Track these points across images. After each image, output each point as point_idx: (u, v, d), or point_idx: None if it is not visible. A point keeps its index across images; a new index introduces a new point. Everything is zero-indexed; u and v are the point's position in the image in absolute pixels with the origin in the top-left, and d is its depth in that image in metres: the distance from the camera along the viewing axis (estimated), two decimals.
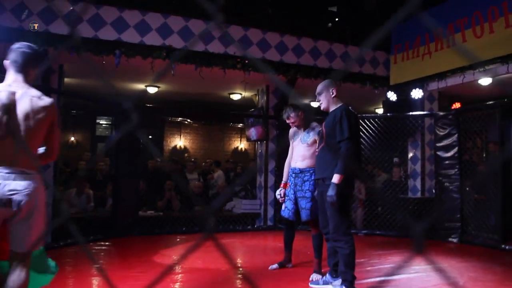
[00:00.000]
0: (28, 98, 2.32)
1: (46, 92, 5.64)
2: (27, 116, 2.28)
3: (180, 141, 11.97)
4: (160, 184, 7.88)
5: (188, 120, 11.83)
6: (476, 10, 5.90)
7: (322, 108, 3.71)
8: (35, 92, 2.39)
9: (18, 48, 2.42)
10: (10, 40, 5.30)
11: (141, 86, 8.47)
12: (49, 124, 2.42)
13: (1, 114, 2.22)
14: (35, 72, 2.44)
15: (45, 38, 5.49)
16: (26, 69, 2.40)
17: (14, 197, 2.22)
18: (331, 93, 3.64)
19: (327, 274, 3.88)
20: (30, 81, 2.40)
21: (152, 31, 6.17)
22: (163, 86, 8.52)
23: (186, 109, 10.86)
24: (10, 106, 2.26)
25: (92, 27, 5.79)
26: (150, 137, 11.35)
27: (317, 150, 3.74)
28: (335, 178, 3.32)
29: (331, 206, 3.36)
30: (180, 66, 6.23)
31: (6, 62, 2.40)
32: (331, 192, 3.31)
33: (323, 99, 3.67)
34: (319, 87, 3.70)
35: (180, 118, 11.68)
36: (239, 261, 5.31)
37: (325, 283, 3.83)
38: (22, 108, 2.28)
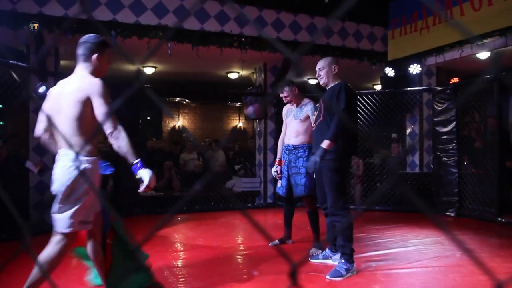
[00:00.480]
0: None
1: (42, 75, 5.66)
2: None
3: (178, 121, 11.98)
4: (159, 164, 7.93)
5: (186, 100, 11.81)
6: None
7: (322, 83, 3.73)
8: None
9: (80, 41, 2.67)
10: (2, 23, 5.28)
11: (138, 66, 8.43)
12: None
13: None
14: (96, 59, 2.64)
15: (39, 20, 5.45)
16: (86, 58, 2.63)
17: None
18: (333, 70, 3.67)
19: (327, 249, 3.95)
20: (95, 69, 2.64)
21: (147, 10, 6.11)
22: (159, 67, 8.48)
23: (184, 89, 10.82)
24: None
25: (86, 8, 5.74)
26: (148, 118, 11.34)
27: (314, 125, 3.75)
28: (324, 144, 3.38)
29: (311, 171, 3.44)
30: (177, 45, 6.19)
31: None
32: (315, 157, 3.36)
33: (324, 75, 3.68)
34: (322, 63, 3.71)
35: (178, 98, 11.65)
36: (240, 238, 5.39)
37: (325, 257, 3.91)
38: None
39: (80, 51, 2.60)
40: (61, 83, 2.62)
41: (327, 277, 3.43)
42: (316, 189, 3.90)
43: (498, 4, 5.48)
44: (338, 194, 3.53)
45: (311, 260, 3.94)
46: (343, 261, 3.52)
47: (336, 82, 3.65)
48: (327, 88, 3.70)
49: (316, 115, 3.74)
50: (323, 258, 3.91)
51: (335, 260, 3.81)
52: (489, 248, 4.58)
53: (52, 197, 2.48)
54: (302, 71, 4.36)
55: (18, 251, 0.91)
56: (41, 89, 5.72)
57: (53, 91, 2.61)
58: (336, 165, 3.46)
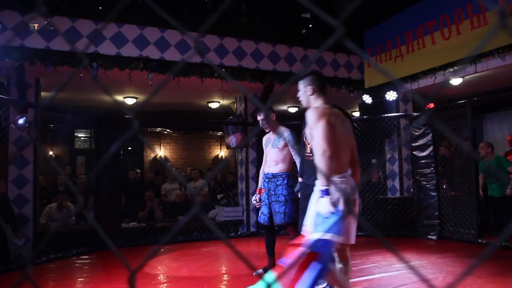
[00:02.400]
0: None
1: (22, 106, 5.64)
2: None
3: (160, 151, 11.94)
4: (141, 194, 7.86)
5: (168, 130, 11.81)
6: (444, 13, 6.11)
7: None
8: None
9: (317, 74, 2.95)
10: None
11: (119, 97, 8.45)
12: None
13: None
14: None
15: (21, 52, 5.47)
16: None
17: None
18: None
19: None
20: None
21: (128, 42, 6.19)
22: (141, 97, 8.52)
23: (165, 119, 10.85)
24: None
25: (68, 40, 5.79)
26: (129, 148, 11.29)
27: (308, 154, 3.73)
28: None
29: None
30: (158, 76, 6.27)
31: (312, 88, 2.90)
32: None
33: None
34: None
35: (159, 128, 11.65)
36: (224, 268, 5.34)
37: None
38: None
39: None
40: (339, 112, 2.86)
41: None
42: (299, 215, 3.93)
43: (466, 33, 5.73)
44: None
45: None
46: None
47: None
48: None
49: (312, 144, 3.72)
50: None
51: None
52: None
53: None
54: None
55: (20, 281, 0.92)
56: (21, 121, 5.69)
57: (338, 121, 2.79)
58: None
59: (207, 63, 6.62)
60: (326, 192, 2.60)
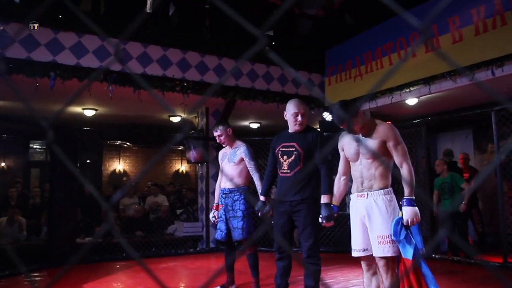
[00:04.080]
0: None
1: None
2: None
3: (119, 165, 11.70)
4: (97, 209, 7.64)
5: (127, 143, 11.60)
6: (400, 36, 6.36)
7: (297, 129, 3.71)
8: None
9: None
10: None
11: (78, 109, 8.25)
12: None
13: None
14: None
15: None
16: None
17: None
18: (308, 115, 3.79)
19: None
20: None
21: (88, 53, 6.08)
22: (100, 109, 8.35)
23: (125, 132, 10.65)
24: None
25: (25, 48, 5.62)
26: (87, 161, 10.99)
27: (286, 171, 3.69)
28: (325, 199, 3.42)
29: (324, 225, 3.38)
30: (118, 88, 6.17)
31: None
32: (324, 213, 3.35)
33: (303, 120, 3.71)
34: (303, 108, 3.72)
35: (119, 141, 11.43)
36: (182, 284, 5.25)
37: None
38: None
39: None
40: None
41: None
42: (274, 233, 3.89)
43: (421, 55, 5.98)
44: (318, 237, 3.63)
45: None
46: None
47: (308, 129, 3.76)
48: (295, 132, 3.74)
49: (290, 161, 3.66)
50: None
51: None
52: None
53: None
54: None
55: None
56: None
57: None
58: (316, 208, 3.52)
59: (168, 76, 6.59)
60: (412, 202, 2.77)
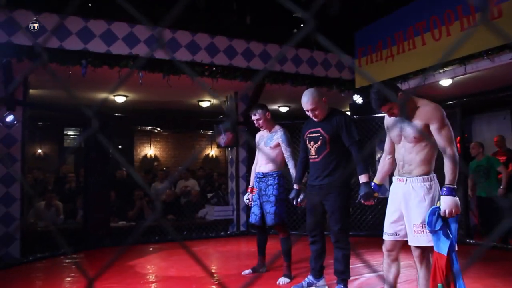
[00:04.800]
0: None
1: (10, 103, 5.57)
2: None
3: (150, 150, 11.88)
4: (130, 193, 7.81)
5: (158, 129, 11.75)
6: (434, 14, 6.14)
7: (318, 119, 3.69)
8: None
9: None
10: None
11: (109, 95, 8.39)
12: None
13: None
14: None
15: (7, 49, 5.40)
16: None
17: None
18: (324, 103, 3.69)
19: (309, 276, 3.92)
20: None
21: (118, 40, 6.14)
22: (131, 95, 8.46)
23: (155, 117, 10.79)
24: None
25: (57, 37, 5.73)
26: (119, 147, 11.22)
27: (315, 157, 3.71)
28: (363, 178, 3.41)
29: (366, 203, 3.36)
30: (148, 74, 6.22)
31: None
32: (362, 191, 3.33)
33: (321, 111, 3.66)
34: (311, 104, 3.63)
35: (149, 127, 11.59)
36: (213, 267, 5.33)
37: (309, 285, 3.88)
38: None
39: None
40: None
41: None
42: (307, 217, 3.91)
43: (456, 34, 5.76)
44: (347, 221, 3.63)
45: None
46: (342, 286, 3.61)
47: (328, 111, 3.71)
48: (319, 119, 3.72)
49: (317, 146, 3.67)
50: (307, 286, 3.88)
51: (319, 287, 3.83)
52: None
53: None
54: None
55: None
56: (9, 118, 5.62)
57: None
58: (345, 193, 3.53)
59: (197, 61, 6.59)
60: (452, 192, 2.60)
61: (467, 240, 6.09)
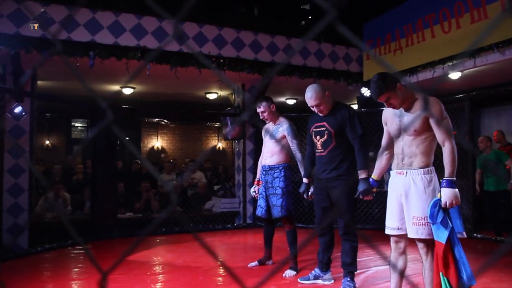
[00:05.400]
0: None
1: (18, 95, 5.60)
2: None
3: (157, 142, 11.91)
4: (137, 185, 7.85)
5: (165, 121, 11.77)
6: (444, 6, 6.07)
7: (324, 114, 3.70)
8: None
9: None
10: None
11: (116, 87, 8.40)
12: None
13: None
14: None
15: (16, 41, 5.42)
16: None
17: None
18: (327, 98, 3.67)
19: (316, 269, 3.92)
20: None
21: (126, 32, 6.14)
22: (138, 87, 8.47)
23: (162, 109, 10.80)
24: None
25: (65, 28, 5.73)
26: (127, 138, 11.23)
27: (321, 151, 3.71)
28: (362, 174, 3.42)
29: (363, 199, 3.40)
30: (155, 66, 6.22)
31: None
32: (362, 187, 3.35)
33: (325, 106, 3.66)
34: (314, 100, 3.62)
35: (156, 119, 11.61)
36: (220, 259, 5.35)
37: (316, 277, 3.89)
38: None
39: None
40: None
41: None
42: (315, 209, 3.90)
43: (466, 27, 5.70)
44: (354, 215, 3.65)
45: (300, 282, 3.90)
46: (348, 279, 3.60)
47: (333, 105, 3.71)
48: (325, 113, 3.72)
49: (323, 140, 3.68)
50: (314, 278, 3.89)
51: (325, 280, 3.83)
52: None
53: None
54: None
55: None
56: (17, 110, 5.65)
57: None
58: (351, 186, 3.53)
59: (205, 53, 6.58)
60: (452, 184, 2.62)
61: (474, 235, 6.05)
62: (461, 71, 6.39)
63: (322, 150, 3.69)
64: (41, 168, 8.45)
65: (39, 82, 6.51)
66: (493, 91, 6.88)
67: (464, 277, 2.54)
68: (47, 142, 10.68)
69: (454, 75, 6.70)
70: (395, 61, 7.02)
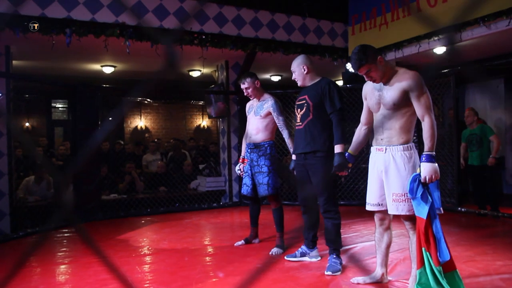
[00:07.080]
0: None
1: None
2: None
3: (141, 122, 11.72)
4: (121, 166, 7.72)
5: (148, 100, 11.55)
6: None
7: (299, 85, 3.74)
8: None
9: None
10: None
11: (96, 66, 8.17)
12: None
13: None
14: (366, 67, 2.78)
15: None
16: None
17: None
18: (303, 70, 3.67)
19: (303, 246, 3.91)
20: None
21: (103, 7, 5.91)
22: (119, 66, 8.26)
23: (144, 88, 10.56)
24: None
25: (39, 4, 5.48)
26: (109, 118, 11.03)
27: (299, 124, 3.67)
28: (338, 148, 3.37)
29: (339, 175, 3.33)
30: (135, 43, 6.03)
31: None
32: (336, 161, 3.27)
33: (297, 77, 3.71)
34: (292, 66, 3.75)
35: (139, 98, 11.38)
36: (206, 238, 5.31)
37: (302, 255, 3.87)
38: None
39: None
40: None
41: (327, 273, 3.42)
42: (297, 187, 3.87)
43: (452, 0, 5.61)
44: (333, 191, 3.58)
45: (287, 259, 3.88)
46: (334, 256, 3.56)
47: (317, 79, 3.68)
48: (305, 86, 3.71)
49: (302, 113, 3.65)
50: (300, 256, 3.87)
51: (312, 257, 3.82)
52: (451, 238, 4.68)
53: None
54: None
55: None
56: None
57: None
58: (328, 162, 3.44)
59: (186, 29, 6.39)
60: (431, 159, 2.61)
61: (458, 208, 6.12)
62: (446, 45, 6.33)
63: (300, 123, 3.66)
64: (21, 151, 8.25)
65: (14, 62, 6.27)
66: (478, 65, 6.86)
67: (438, 253, 2.54)
68: (27, 124, 10.41)
69: (439, 50, 6.64)
70: (380, 36, 6.94)
